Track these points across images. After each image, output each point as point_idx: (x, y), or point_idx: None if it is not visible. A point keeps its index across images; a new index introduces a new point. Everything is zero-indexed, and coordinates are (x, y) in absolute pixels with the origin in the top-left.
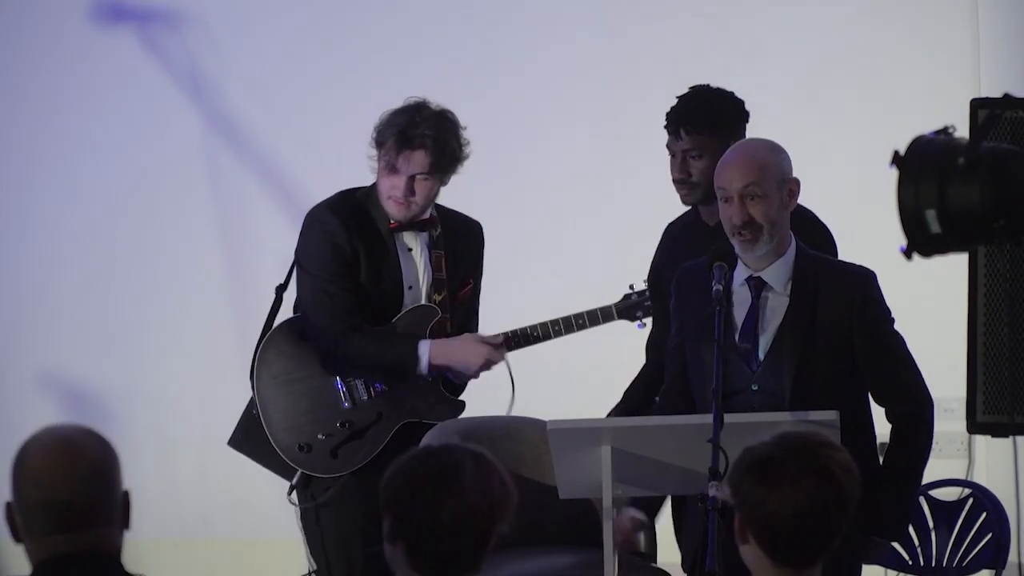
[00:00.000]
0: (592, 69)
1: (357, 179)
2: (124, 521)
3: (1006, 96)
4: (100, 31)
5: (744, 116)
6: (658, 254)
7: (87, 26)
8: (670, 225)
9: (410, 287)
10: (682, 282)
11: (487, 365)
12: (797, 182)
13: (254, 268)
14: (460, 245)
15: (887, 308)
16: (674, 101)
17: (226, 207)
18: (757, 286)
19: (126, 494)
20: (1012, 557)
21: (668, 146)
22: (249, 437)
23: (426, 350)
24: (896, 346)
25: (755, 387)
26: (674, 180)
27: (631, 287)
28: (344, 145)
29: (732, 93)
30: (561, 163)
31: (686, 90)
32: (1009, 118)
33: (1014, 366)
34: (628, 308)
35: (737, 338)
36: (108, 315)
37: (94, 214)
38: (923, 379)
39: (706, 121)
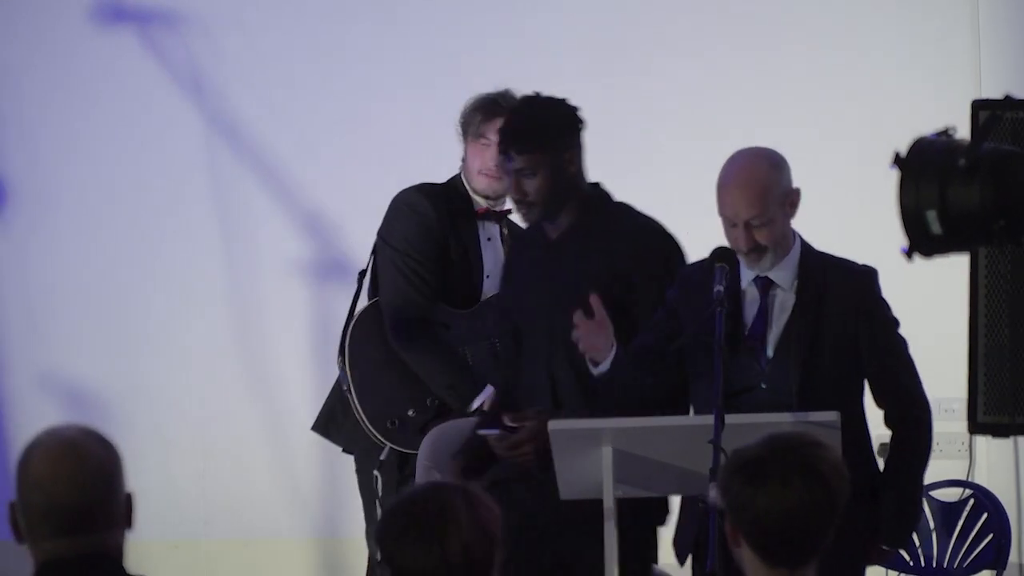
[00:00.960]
0: (599, 66)
1: (357, 179)
2: (127, 522)
3: (1007, 97)
4: (100, 31)
5: (577, 125)
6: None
7: (87, 26)
8: (519, 232)
9: (488, 276)
10: (685, 282)
11: None
12: (798, 192)
13: (254, 268)
14: None
15: (890, 308)
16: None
17: (226, 207)
18: (765, 285)
19: (129, 496)
20: (1013, 558)
21: (500, 165)
22: (334, 421)
23: (487, 395)
24: (899, 348)
25: (764, 385)
26: (512, 201)
27: None
28: (344, 145)
29: (563, 102)
30: None
31: (517, 103)
32: (1010, 119)
33: (1015, 366)
34: None
35: (746, 334)
36: (108, 315)
37: (94, 214)
38: (921, 384)
39: (534, 139)
